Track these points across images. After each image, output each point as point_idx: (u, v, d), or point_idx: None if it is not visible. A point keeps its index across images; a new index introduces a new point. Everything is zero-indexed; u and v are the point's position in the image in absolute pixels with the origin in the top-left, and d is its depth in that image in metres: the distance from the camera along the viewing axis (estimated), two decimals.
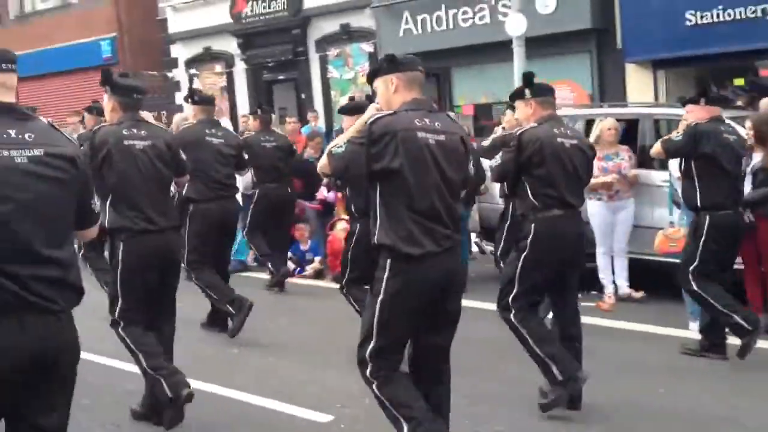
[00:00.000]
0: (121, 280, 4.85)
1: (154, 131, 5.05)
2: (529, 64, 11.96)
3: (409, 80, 3.81)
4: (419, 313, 3.72)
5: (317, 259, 10.02)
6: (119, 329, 4.89)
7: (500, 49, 12.85)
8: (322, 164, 3.87)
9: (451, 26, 14.59)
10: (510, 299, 5.00)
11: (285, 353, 6.69)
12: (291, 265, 9.91)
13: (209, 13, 18.34)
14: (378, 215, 3.71)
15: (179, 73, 19.36)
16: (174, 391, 4.66)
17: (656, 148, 6.33)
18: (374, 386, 3.76)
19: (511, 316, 4.99)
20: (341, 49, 16.42)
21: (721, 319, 6.00)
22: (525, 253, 4.97)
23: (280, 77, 17.90)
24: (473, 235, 9.45)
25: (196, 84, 18.81)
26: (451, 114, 4.77)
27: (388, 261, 3.67)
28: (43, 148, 2.75)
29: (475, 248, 9.85)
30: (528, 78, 5.25)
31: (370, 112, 3.85)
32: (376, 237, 3.71)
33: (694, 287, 5.98)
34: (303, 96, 17.23)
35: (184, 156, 5.28)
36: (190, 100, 7.54)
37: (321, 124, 15.81)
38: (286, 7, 17.00)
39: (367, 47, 15.89)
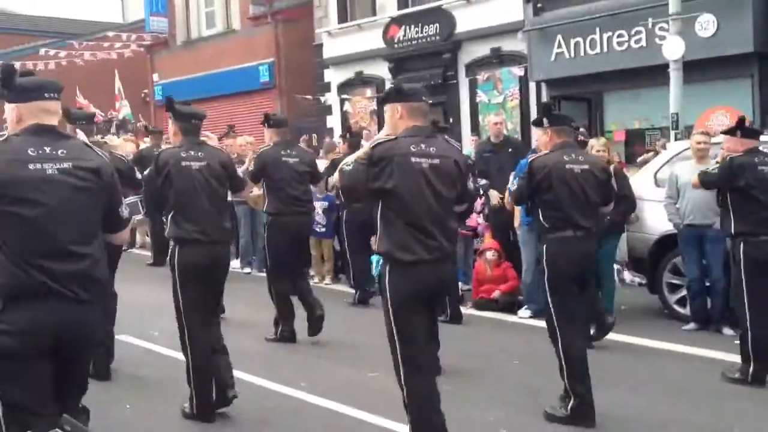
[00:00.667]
0: (180, 282, 5.42)
1: (210, 152, 5.62)
2: (686, 88, 11.50)
3: (412, 109, 4.30)
4: (421, 311, 4.23)
5: (459, 283, 9.90)
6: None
7: (656, 73, 12.42)
8: (335, 180, 4.52)
9: (605, 50, 14.23)
10: (555, 323, 5.42)
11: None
12: None
13: (363, 38, 18.74)
14: (379, 227, 4.25)
15: (331, 97, 19.85)
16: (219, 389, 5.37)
17: (694, 180, 6.77)
18: (404, 396, 4.25)
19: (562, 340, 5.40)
20: (491, 73, 16.33)
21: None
22: (546, 275, 5.45)
23: (429, 101, 17.89)
24: (617, 266, 9.10)
25: (347, 108, 19.22)
26: (450, 139, 5.04)
27: (388, 266, 4.22)
28: (71, 162, 3.32)
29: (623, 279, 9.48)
30: (546, 108, 5.79)
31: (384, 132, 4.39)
32: (377, 246, 4.28)
33: None
34: (451, 120, 17.23)
35: (241, 174, 5.90)
36: (266, 124, 7.94)
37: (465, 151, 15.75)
38: (438, 31, 17.13)
39: (517, 71, 15.73)
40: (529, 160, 5.67)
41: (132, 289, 9.10)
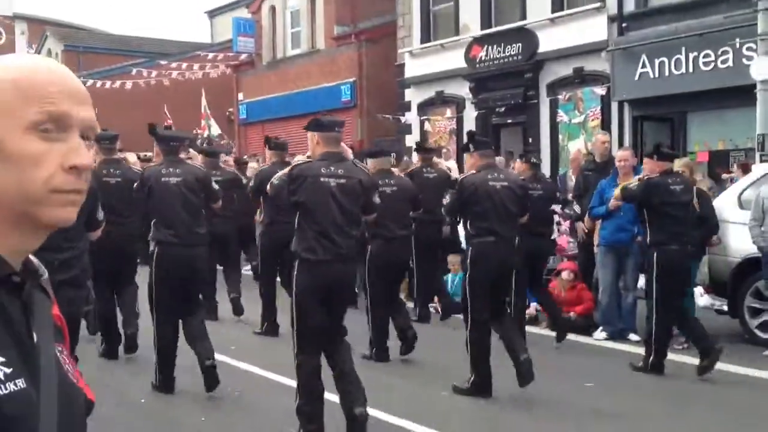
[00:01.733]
0: (156, 280, 6.45)
1: (187, 169, 6.72)
2: None
3: (327, 138, 5.30)
4: (321, 302, 5.13)
5: (533, 305, 9.83)
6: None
7: (741, 94, 12.11)
8: (268, 189, 5.84)
9: (690, 70, 13.95)
10: (469, 315, 6.41)
11: (501, 400, 6.60)
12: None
13: (444, 58, 18.83)
14: (295, 231, 5.25)
15: (411, 116, 19.98)
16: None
17: (616, 193, 7.69)
18: (296, 366, 5.17)
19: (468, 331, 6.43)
20: (572, 93, 16.19)
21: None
22: (468, 273, 6.50)
23: (509, 121, 17.94)
24: (698, 290, 8.88)
25: (427, 127, 19.32)
26: (357, 162, 6.17)
27: (296, 263, 5.20)
28: None
29: (701, 302, 9.24)
30: (471, 135, 7.06)
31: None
32: (291, 245, 5.25)
33: None
34: (530, 140, 17.14)
35: (216, 187, 6.96)
36: (267, 145, 9.09)
37: (544, 170, 15.64)
38: (521, 51, 17.09)
39: (599, 90, 15.55)
40: (460, 179, 6.82)
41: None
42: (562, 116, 16.34)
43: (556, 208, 10.83)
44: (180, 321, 6.45)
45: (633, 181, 7.54)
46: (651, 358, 7.18)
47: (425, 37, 19.58)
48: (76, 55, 37.40)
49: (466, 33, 18.42)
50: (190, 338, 6.38)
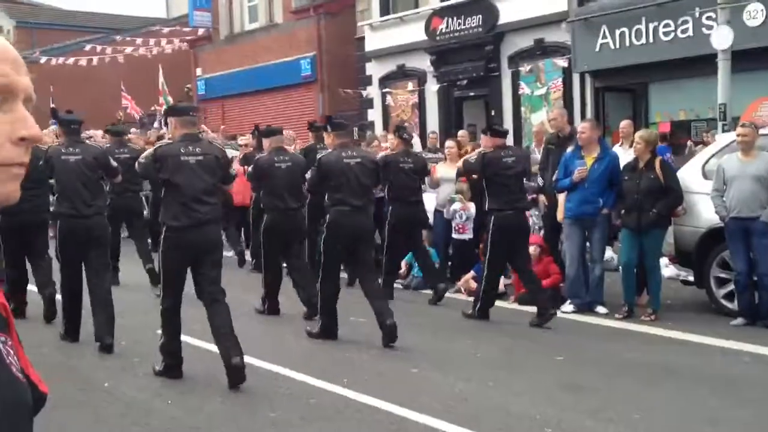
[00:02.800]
0: (59, 244, 7.31)
1: (85, 149, 7.54)
2: (733, 78, 11.25)
3: (183, 121, 6.20)
4: (186, 262, 6.12)
5: (500, 279, 9.82)
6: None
7: (702, 64, 12.19)
8: (137, 167, 6.53)
9: (651, 40, 14.00)
10: (321, 269, 7.51)
11: (470, 373, 6.58)
12: (473, 283, 9.80)
13: (404, 31, 18.67)
14: (162, 203, 6.21)
15: (373, 90, 19.83)
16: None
17: (458, 165, 9.00)
18: (161, 318, 6.26)
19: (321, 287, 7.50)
20: (534, 65, 16.15)
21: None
22: (324, 235, 7.53)
23: (471, 94, 17.88)
24: (663, 260, 8.94)
25: (389, 101, 19.18)
26: (215, 139, 7.68)
27: (164, 230, 6.13)
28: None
29: (667, 273, 9.30)
30: (328, 118, 8.22)
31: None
32: (160, 216, 6.24)
33: None
34: (493, 113, 17.11)
35: (114, 164, 7.81)
36: (255, 134, 10.15)
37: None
38: (480, 23, 16.99)
39: (560, 62, 15.53)
40: (319, 157, 7.76)
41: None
42: (524, 88, 16.31)
43: None
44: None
45: (473, 155, 8.55)
46: (479, 305, 8.30)
47: (385, 10, 19.39)
48: (29, 31, 36.48)
49: (426, 5, 18.27)
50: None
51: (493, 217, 8.12)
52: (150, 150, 6.40)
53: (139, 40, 27.16)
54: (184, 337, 6.85)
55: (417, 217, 9.68)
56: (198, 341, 7.40)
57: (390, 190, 9.57)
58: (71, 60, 27.51)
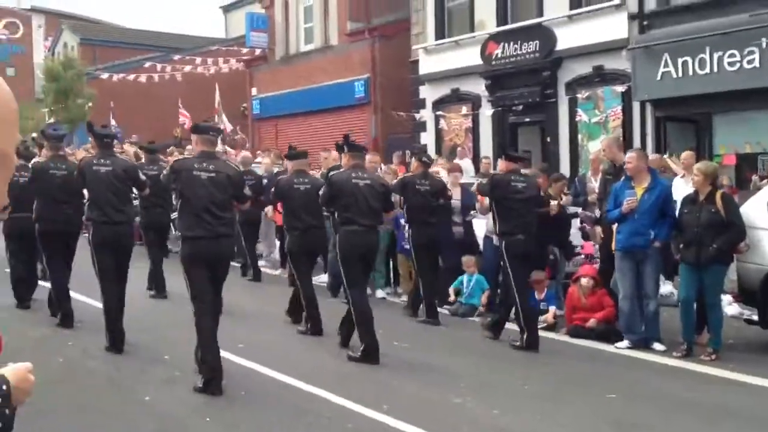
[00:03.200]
0: (95, 251, 7.62)
1: (116, 161, 7.95)
2: None
3: (203, 139, 6.69)
4: (204, 269, 6.42)
5: (552, 309, 9.48)
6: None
7: None
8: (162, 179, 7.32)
9: (715, 69, 13.55)
10: (345, 285, 7.67)
11: (517, 407, 6.26)
12: None
13: (459, 55, 18.48)
14: (178, 214, 6.67)
15: (426, 114, 19.64)
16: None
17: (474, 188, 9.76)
18: (197, 332, 6.38)
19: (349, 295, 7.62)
20: (592, 92, 15.79)
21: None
22: (339, 255, 7.73)
23: (526, 120, 17.57)
24: (726, 298, 8.50)
25: (442, 125, 18.97)
26: (229, 160, 8.04)
27: (182, 240, 6.56)
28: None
29: (730, 311, 8.85)
30: (347, 138, 8.23)
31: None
32: (177, 228, 6.92)
33: None
34: (548, 139, 16.76)
35: (143, 177, 8.39)
36: (286, 156, 9.96)
37: (563, 171, 15.26)
38: (538, 48, 16.71)
39: (620, 89, 15.14)
40: (330, 176, 8.01)
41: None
42: (581, 115, 15.94)
43: (579, 210, 10.50)
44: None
45: (485, 180, 8.89)
46: (525, 336, 8.12)
47: (440, 34, 19.23)
48: (92, 48, 37.29)
49: (482, 30, 18.06)
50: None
51: (503, 242, 8.26)
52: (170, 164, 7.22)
53: (197, 60, 27.51)
54: (227, 354, 6.89)
55: (434, 239, 9.70)
56: (240, 359, 7.28)
57: (408, 211, 9.71)
58: (131, 77, 27.97)
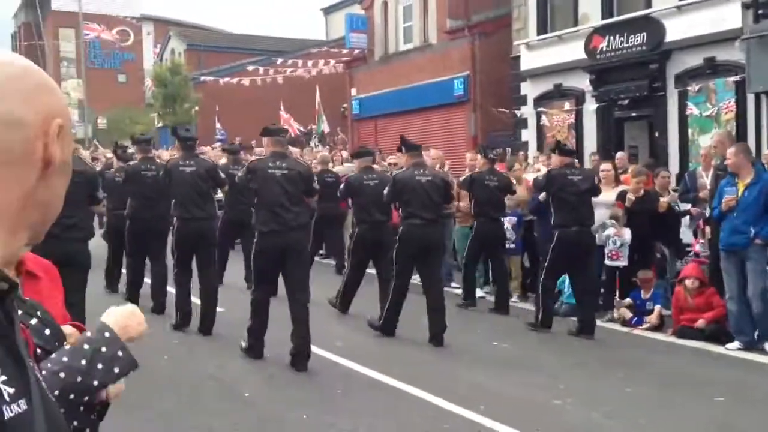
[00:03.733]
0: (176, 244, 8.58)
1: (199, 162, 8.65)
2: None
3: (274, 141, 7.43)
4: (273, 262, 7.09)
5: (657, 308, 9.06)
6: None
7: None
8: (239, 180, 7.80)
9: None
10: (395, 274, 8.32)
11: (619, 410, 5.96)
12: (628, 313, 9.10)
13: (562, 49, 18.01)
14: (255, 211, 7.37)
15: (527, 110, 19.25)
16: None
17: (528, 182, 10.20)
18: (251, 307, 7.21)
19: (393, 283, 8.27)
20: (703, 84, 15.09)
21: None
22: (397, 245, 8.31)
23: (633, 114, 16.96)
24: None
25: (544, 121, 18.55)
26: (300, 159, 8.55)
27: (256, 233, 7.22)
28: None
29: None
30: (403, 138, 8.88)
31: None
32: (253, 223, 7.46)
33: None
34: (657, 134, 16.13)
35: (222, 176, 8.96)
36: (352, 156, 11.21)
37: (672, 166, 14.66)
38: (645, 41, 16.10)
39: (733, 81, 14.41)
40: (393, 175, 8.64)
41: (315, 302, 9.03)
42: (692, 109, 15.25)
43: (689, 207, 10.04)
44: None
45: (540, 173, 9.25)
46: (540, 315, 8.61)
47: (542, 29, 18.79)
48: (197, 53, 38.38)
49: (586, 23, 17.55)
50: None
51: (557, 232, 8.49)
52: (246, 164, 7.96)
53: (299, 62, 27.87)
54: (323, 352, 7.13)
55: (498, 233, 10.16)
56: (338, 357, 7.24)
57: (475, 205, 10.03)
58: (235, 80, 28.60)
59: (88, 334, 1.72)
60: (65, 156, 1.06)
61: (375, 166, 10.37)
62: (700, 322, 8.24)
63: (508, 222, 10.36)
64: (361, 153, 9.96)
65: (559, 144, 9.53)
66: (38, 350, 1.33)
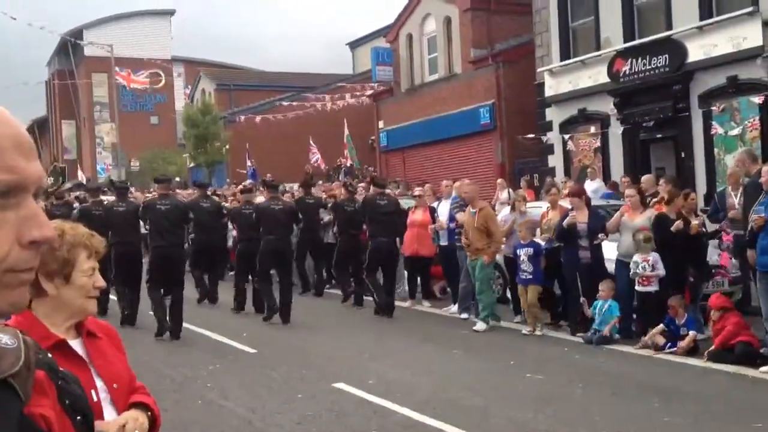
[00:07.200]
0: (150, 269, 11.14)
1: (173, 201, 11.68)
2: None
3: (270, 191, 12.72)
4: (272, 259, 11.76)
5: (692, 333, 9.07)
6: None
7: None
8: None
9: None
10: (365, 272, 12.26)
11: None
12: (661, 339, 9.12)
13: (585, 74, 18.15)
14: (261, 235, 11.91)
15: (553, 136, 19.34)
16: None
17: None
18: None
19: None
20: (727, 103, 15.11)
21: None
22: (367, 261, 12.21)
23: (658, 136, 17.00)
24: None
25: (570, 146, 18.63)
26: (285, 200, 13.14)
27: (262, 242, 11.79)
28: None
29: None
30: (372, 178, 13.10)
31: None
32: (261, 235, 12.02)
33: None
34: (683, 155, 16.14)
35: (191, 215, 12.11)
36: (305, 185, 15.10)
37: (699, 187, 14.60)
38: (667, 62, 16.18)
39: (757, 99, 14.42)
40: (363, 197, 12.92)
41: (349, 335, 9.15)
42: (716, 128, 15.26)
43: (723, 224, 10.11)
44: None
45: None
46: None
47: (565, 54, 18.95)
48: (228, 92, 39.02)
49: (608, 47, 17.67)
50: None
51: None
52: (254, 206, 12.53)
53: (326, 97, 28.28)
54: (359, 392, 7.25)
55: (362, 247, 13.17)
56: (371, 396, 7.31)
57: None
58: (267, 117, 29.10)
59: None
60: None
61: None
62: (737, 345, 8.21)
63: (524, 254, 10.44)
64: (378, 183, 13.28)
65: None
66: None
